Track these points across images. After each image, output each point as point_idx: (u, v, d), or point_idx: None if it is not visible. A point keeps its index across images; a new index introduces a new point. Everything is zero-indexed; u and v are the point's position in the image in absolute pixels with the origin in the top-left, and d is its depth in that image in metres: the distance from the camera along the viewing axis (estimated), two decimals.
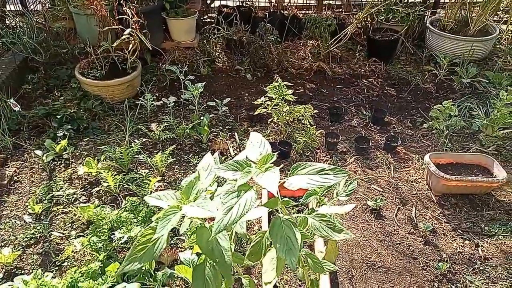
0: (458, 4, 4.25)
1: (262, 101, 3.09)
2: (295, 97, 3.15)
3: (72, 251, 2.26)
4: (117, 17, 3.39)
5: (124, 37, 3.30)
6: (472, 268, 2.31)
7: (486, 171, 2.85)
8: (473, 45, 4.11)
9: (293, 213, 2.43)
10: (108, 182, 2.60)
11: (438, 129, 3.28)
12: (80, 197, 2.66)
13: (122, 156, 2.79)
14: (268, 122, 3.31)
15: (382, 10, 4.42)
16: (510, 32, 4.70)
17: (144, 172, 2.74)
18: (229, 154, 3.07)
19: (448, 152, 3.13)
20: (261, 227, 2.42)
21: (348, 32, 4.20)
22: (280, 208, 1.22)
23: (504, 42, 4.68)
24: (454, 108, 3.14)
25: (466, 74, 3.97)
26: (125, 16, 3.30)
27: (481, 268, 2.31)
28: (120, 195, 2.66)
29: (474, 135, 3.35)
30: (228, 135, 3.27)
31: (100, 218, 2.27)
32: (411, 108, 3.76)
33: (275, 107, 3.09)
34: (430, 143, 3.30)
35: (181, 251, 2.07)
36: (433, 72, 4.17)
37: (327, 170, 1.15)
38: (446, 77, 4.12)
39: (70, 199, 2.63)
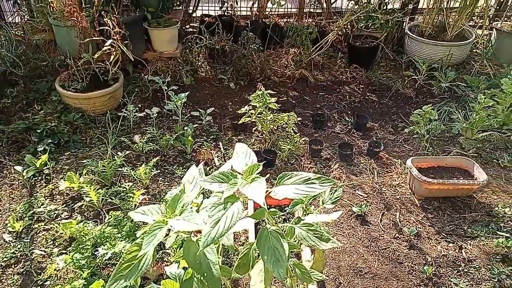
0: (436, 10, 4.36)
1: (246, 109, 3.09)
2: (279, 105, 3.17)
3: (55, 269, 2.20)
4: (98, 28, 3.36)
5: (105, 48, 3.27)
6: (456, 271, 2.34)
7: (467, 173, 2.91)
8: (450, 50, 4.21)
9: (280, 222, 2.43)
10: (90, 197, 2.55)
11: (419, 133, 3.34)
12: (62, 213, 2.60)
13: (104, 169, 2.75)
14: (253, 131, 3.31)
15: (362, 18, 4.49)
16: (485, 36, 4.84)
17: (128, 185, 2.70)
18: (214, 164, 3.06)
19: (430, 156, 3.19)
20: (247, 237, 2.41)
21: (329, 40, 4.26)
22: (267, 219, 1.22)
23: (480, 47, 4.81)
24: (434, 113, 3.20)
25: (444, 79, 4.07)
26: (106, 27, 3.28)
27: (465, 270, 2.35)
28: (103, 209, 2.61)
29: (454, 139, 3.42)
30: (212, 145, 3.26)
31: (83, 234, 2.22)
32: (392, 114, 3.82)
33: (259, 115, 3.10)
34: (412, 147, 3.35)
35: (167, 265, 2.04)
36: (413, 77, 4.25)
37: (312, 179, 1.15)
38: (425, 82, 4.21)
39: (52, 216, 2.58)
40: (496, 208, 2.76)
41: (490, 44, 4.63)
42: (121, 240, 2.19)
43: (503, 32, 4.53)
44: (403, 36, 4.64)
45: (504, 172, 3.11)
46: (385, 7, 4.70)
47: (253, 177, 1.16)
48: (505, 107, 3.30)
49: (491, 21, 5.06)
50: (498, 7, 5.19)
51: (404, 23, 4.79)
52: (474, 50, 4.78)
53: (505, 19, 4.97)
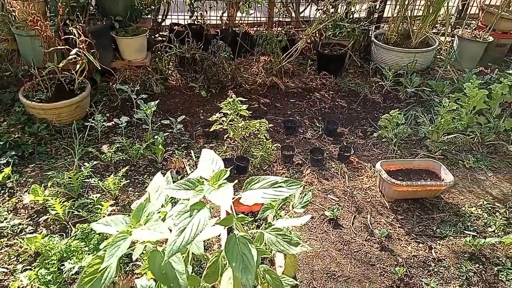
0: (400, 18, 4.49)
1: (217, 117, 3.08)
2: (250, 112, 3.17)
3: (19, 287, 2.11)
4: (63, 37, 3.28)
5: (70, 57, 3.19)
6: (427, 271, 2.39)
7: (434, 175, 2.98)
8: (415, 57, 4.34)
9: (253, 229, 2.41)
10: (56, 210, 2.46)
11: (387, 137, 3.41)
12: (26, 228, 2.50)
13: (71, 181, 2.67)
14: (225, 138, 3.30)
15: (330, 26, 4.58)
16: (448, 43, 5.02)
17: (96, 197, 2.62)
18: (185, 173, 3.02)
19: (398, 159, 3.26)
20: (221, 245, 2.38)
21: (299, 48, 4.32)
22: (236, 225, 1.21)
23: (443, 53, 4.99)
24: (401, 117, 3.28)
25: (410, 84, 4.19)
26: (72, 36, 3.20)
27: (435, 269, 2.40)
28: (70, 222, 2.53)
29: (421, 142, 3.51)
30: (184, 153, 3.22)
31: (48, 248, 2.14)
32: (361, 119, 3.90)
33: (231, 122, 3.09)
34: (381, 151, 3.42)
35: (138, 278, 1.99)
36: (380, 83, 4.36)
37: (280, 182, 1.15)
38: (392, 88, 4.32)
39: (16, 230, 2.47)
40: (463, 208, 2.84)
41: (453, 51, 4.81)
42: (89, 254, 2.11)
43: (464, 39, 4.71)
44: (370, 44, 4.76)
45: (469, 173, 3.21)
46: (351, 16, 4.81)
47: (220, 183, 1.14)
48: (468, 110, 3.42)
49: (453, 29, 5.27)
50: (458, 16, 5.41)
51: (370, 31, 4.92)
52: (438, 56, 4.96)
53: (465, 26, 5.18)
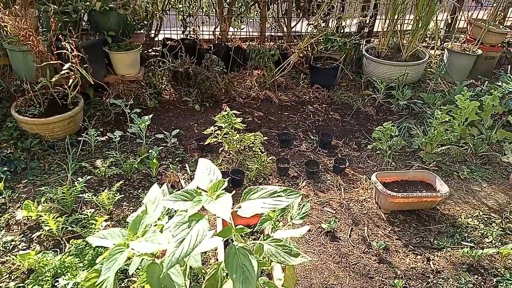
0: (390, 32, 4.56)
1: (212, 130, 3.07)
2: (245, 125, 3.17)
3: None
4: (55, 52, 3.27)
5: (63, 72, 3.18)
6: (426, 283, 2.37)
7: (430, 186, 2.99)
8: (406, 70, 4.40)
9: (249, 242, 2.38)
10: (49, 226, 2.41)
11: (382, 149, 3.42)
12: (19, 244, 2.44)
13: (64, 196, 2.63)
14: (219, 151, 3.28)
15: (321, 40, 4.64)
16: (438, 56, 5.11)
17: (90, 212, 2.58)
18: (180, 186, 2.99)
19: (393, 170, 3.26)
20: (217, 259, 2.35)
21: (291, 62, 4.36)
22: (235, 236, 1.19)
23: (434, 66, 5.07)
24: (394, 129, 3.30)
25: (402, 97, 4.23)
26: (64, 51, 3.20)
27: (434, 281, 2.38)
28: (64, 238, 2.48)
29: (415, 153, 3.53)
30: (178, 167, 3.20)
31: (42, 265, 2.09)
32: (355, 131, 3.91)
33: (225, 136, 3.09)
34: (376, 163, 3.42)
35: None
36: (372, 96, 4.40)
37: (279, 192, 1.14)
38: (384, 100, 4.36)
39: (8, 247, 2.41)
40: (459, 219, 2.84)
41: (443, 63, 4.88)
42: (83, 270, 2.07)
43: (453, 52, 4.80)
44: (361, 57, 4.82)
45: (464, 183, 3.22)
46: (342, 31, 4.89)
47: (218, 193, 1.13)
48: (461, 121, 3.46)
49: (442, 42, 5.37)
50: (447, 29, 5.52)
51: (361, 45, 4.98)
52: (429, 69, 5.03)
53: (455, 40, 5.28)
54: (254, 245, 1.30)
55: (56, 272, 2.07)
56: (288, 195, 1.12)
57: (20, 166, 3.02)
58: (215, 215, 1.07)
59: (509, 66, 5.04)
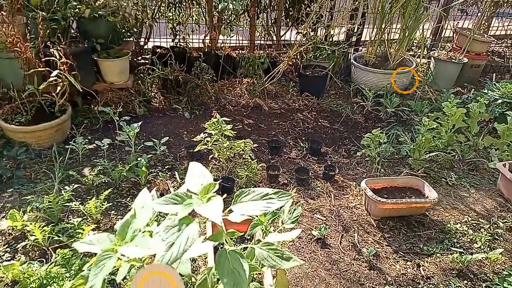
0: (377, 41, 4.62)
1: (202, 137, 3.05)
2: (234, 133, 3.16)
3: None
4: (43, 59, 3.24)
5: (51, 79, 3.14)
6: None
7: (418, 192, 3.01)
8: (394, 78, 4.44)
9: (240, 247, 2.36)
10: (35, 235, 2.35)
11: (371, 156, 3.44)
12: (3, 255, 2.38)
13: (51, 205, 2.57)
14: (209, 159, 3.27)
15: (310, 49, 4.68)
16: (425, 64, 5.19)
17: (77, 221, 2.53)
18: None
19: (382, 177, 3.28)
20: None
21: (281, 70, 4.38)
22: (226, 240, 1.17)
23: (420, 74, 5.14)
24: (383, 136, 3.32)
25: (390, 104, 4.27)
26: (53, 58, 3.16)
27: (424, 287, 2.38)
28: (50, 248, 2.42)
29: (404, 160, 3.56)
30: (168, 175, 3.17)
31: (27, 276, 2.03)
32: (344, 138, 3.93)
33: (215, 143, 3.07)
34: (365, 169, 3.44)
35: None
36: (361, 103, 4.44)
37: (270, 194, 1.13)
38: (373, 108, 4.40)
39: None
40: (448, 225, 2.86)
41: (430, 71, 4.96)
42: (70, 280, 2.02)
43: (440, 60, 4.88)
44: (350, 66, 4.87)
45: (452, 190, 3.25)
46: (331, 39, 4.94)
47: (209, 196, 1.12)
48: (448, 128, 3.50)
49: (429, 51, 5.45)
50: (433, 38, 5.62)
51: (350, 53, 5.04)
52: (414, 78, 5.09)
53: (441, 48, 5.37)
54: (245, 249, 1.29)
55: (42, 283, 2.01)
56: (280, 197, 1.12)
57: (5, 175, 2.96)
58: (205, 219, 1.06)
59: (494, 74, 5.14)
